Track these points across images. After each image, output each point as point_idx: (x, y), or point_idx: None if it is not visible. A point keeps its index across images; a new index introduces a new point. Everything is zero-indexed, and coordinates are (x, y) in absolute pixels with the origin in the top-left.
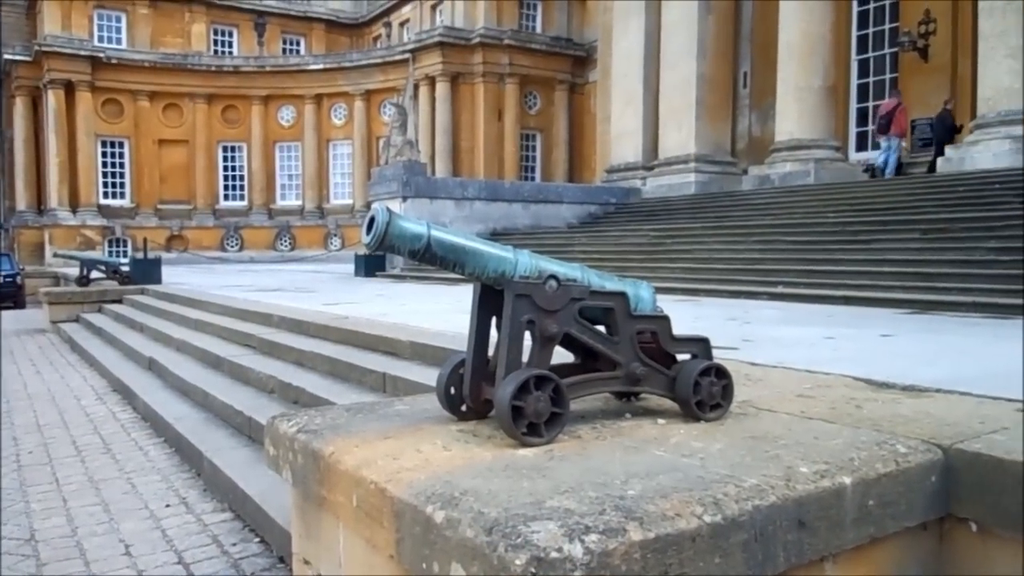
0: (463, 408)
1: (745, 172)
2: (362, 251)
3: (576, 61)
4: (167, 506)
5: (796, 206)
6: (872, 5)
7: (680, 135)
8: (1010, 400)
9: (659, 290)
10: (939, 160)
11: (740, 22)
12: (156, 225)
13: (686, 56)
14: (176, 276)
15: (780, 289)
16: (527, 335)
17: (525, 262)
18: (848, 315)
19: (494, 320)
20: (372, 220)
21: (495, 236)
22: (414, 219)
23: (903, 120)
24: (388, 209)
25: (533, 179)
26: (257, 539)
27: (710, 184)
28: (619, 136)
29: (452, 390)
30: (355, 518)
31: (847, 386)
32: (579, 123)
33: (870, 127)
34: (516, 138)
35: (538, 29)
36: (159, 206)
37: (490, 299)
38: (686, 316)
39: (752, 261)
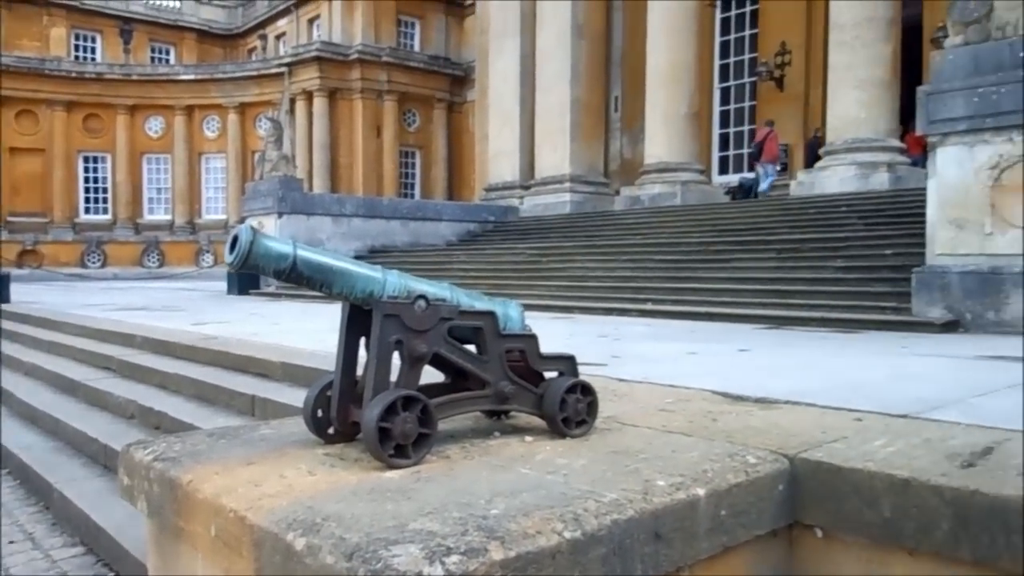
0: (331, 431)
1: (617, 193)
2: None
3: (454, 80)
4: (11, 543)
5: (664, 226)
6: (733, 36)
7: (556, 156)
8: (850, 410)
9: (535, 307)
10: (792, 184)
11: (611, 48)
12: (6, 239)
13: (560, 80)
14: (29, 294)
15: (649, 306)
16: (396, 355)
17: (394, 282)
18: (710, 330)
19: (363, 341)
20: (235, 239)
21: (373, 253)
22: (280, 238)
23: (773, 147)
24: (252, 228)
25: (412, 196)
26: (112, 574)
27: (585, 204)
28: (497, 155)
29: (319, 413)
30: (213, 549)
31: (705, 400)
32: (458, 141)
33: (731, 152)
34: (395, 155)
35: (416, 48)
36: (9, 219)
37: (358, 319)
38: (560, 333)
39: (624, 279)
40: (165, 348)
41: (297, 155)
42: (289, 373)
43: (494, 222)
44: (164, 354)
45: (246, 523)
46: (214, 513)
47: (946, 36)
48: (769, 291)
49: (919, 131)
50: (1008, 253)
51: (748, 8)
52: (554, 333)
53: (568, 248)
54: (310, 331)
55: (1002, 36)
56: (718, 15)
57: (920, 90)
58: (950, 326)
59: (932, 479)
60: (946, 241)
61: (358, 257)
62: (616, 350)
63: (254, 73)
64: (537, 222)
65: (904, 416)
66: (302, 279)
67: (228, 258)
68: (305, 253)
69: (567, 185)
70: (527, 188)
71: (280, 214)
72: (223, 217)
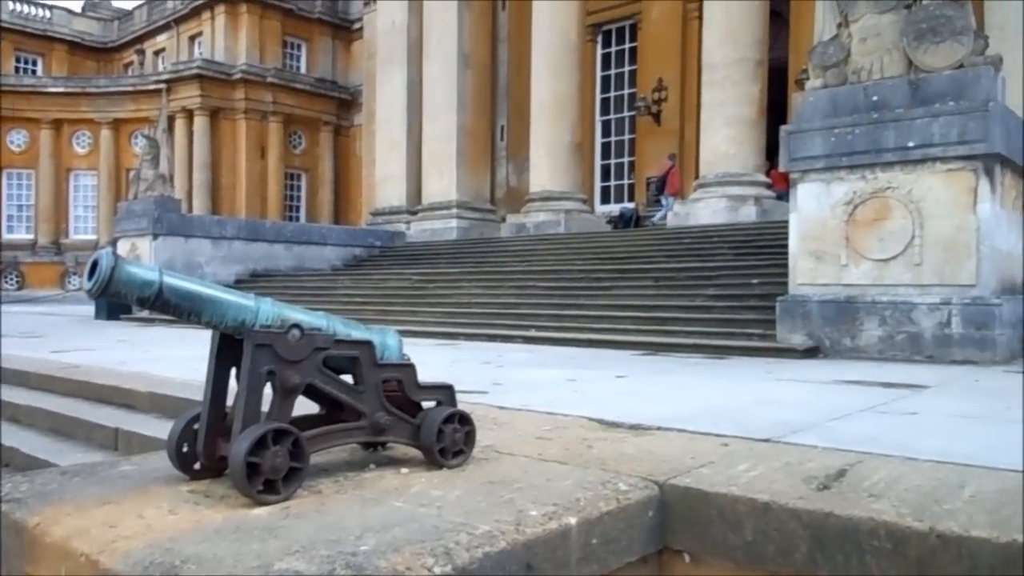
0: (197, 466)
1: (504, 219)
2: None
3: (342, 103)
4: None
5: (548, 253)
6: (613, 71)
7: (443, 182)
8: (717, 435)
9: (420, 334)
10: (668, 214)
11: (497, 79)
12: None
13: (447, 108)
14: None
15: (533, 332)
16: (268, 386)
17: (267, 310)
18: (591, 357)
19: (234, 371)
20: (95, 264)
21: (255, 277)
22: (146, 264)
23: (676, 181)
24: (114, 252)
25: (298, 219)
26: None
27: (471, 230)
28: (384, 180)
29: (185, 447)
30: None
31: (582, 427)
32: (345, 164)
33: (613, 182)
34: (280, 177)
35: (303, 70)
36: None
37: (229, 349)
38: (444, 360)
39: (508, 305)
40: (19, 378)
41: (176, 175)
42: (157, 404)
43: (380, 247)
44: (19, 384)
45: (99, 567)
46: (64, 557)
47: (808, 78)
48: (647, 318)
49: (782, 168)
50: (861, 283)
51: (627, 45)
52: (437, 360)
53: (454, 274)
54: (184, 359)
55: (858, 80)
56: (599, 51)
57: (783, 129)
58: (811, 352)
59: (790, 502)
60: (806, 271)
61: (239, 281)
62: (498, 377)
63: (130, 88)
64: (424, 247)
65: (767, 440)
66: (169, 307)
67: (87, 285)
68: (172, 280)
69: (454, 211)
70: (414, 213)
71: (155, 235)
72: (93, 237)
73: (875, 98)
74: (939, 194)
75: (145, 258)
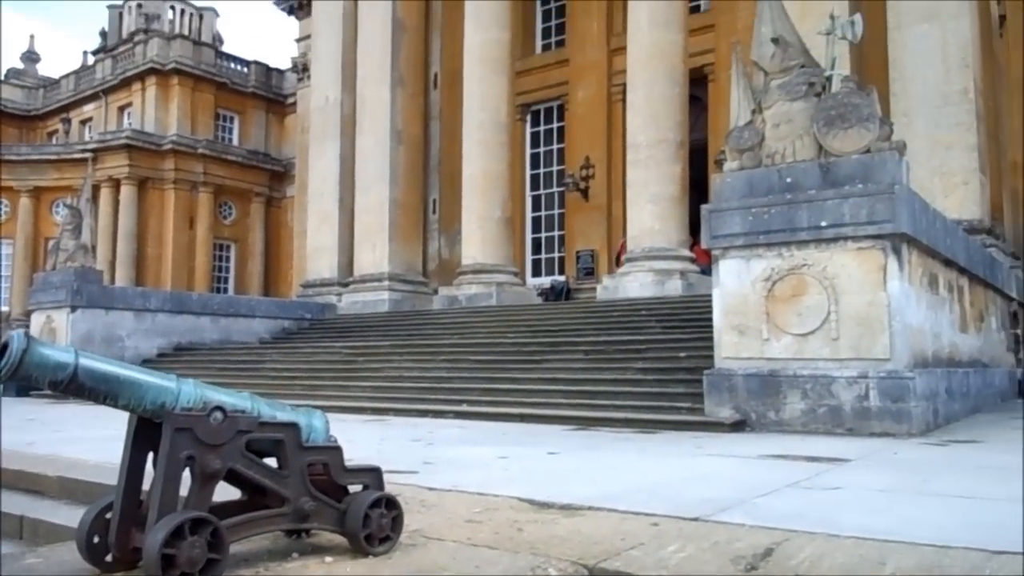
0: (108, 559)
1: (436, 292)
2: None
3: (274, 175)
4: None
5: (480, 326)
6: (542, 149)
7: (375, 254)
8: (648, 515)
9: (349, 410)
10: (599, 288)
11: (429, 154)
12: None
13: (379, 182)
14: None
15: (465, 408)
16: (187, 472)
17: (189, 392)
18: (522, 433)
19: (151, 456)
20: (5, 346)
21: (179, 351)
22: (60, 345)
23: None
24: (27, 333)
25: (226, 290)
26: None
27: (403, 302)
28: (315, 252)
29: (96, 538)
30: None
31: (513, 508)
32: (276, 236)
33: (544, 255)
34: (209, 247)
35: (235, 141)
36: None
37: (147, 433)
38: (373, 438)
39: (440, 380)
40: None
41: (99, 245)
42: (68, 489)
43: (311, 319)
44: None
45: None
46: None
47: (726, 160)
48: (578, 392)
49: (704, 245)
50: (783, 357)
51: (555, 124)
52: (366, 438)
53: (385, 348)
54: (99, 439)
55: (772, 163)
56: (528, 129)
57: (704, 208)
58: (738, 425)
59: None
60: (730, 345)
61: (161, 355)
62: (428, 456)
63: (53, 157)
64: (355, 320)
65: (696, 519)
66: (84, 391)
67: None
68: (89, 362)
69: (386, 283)
70: (345, 285)
71: (74, 308)
72: (5, 309)
73: (789, 180)
74: (852, 271)
75: (61, 331)
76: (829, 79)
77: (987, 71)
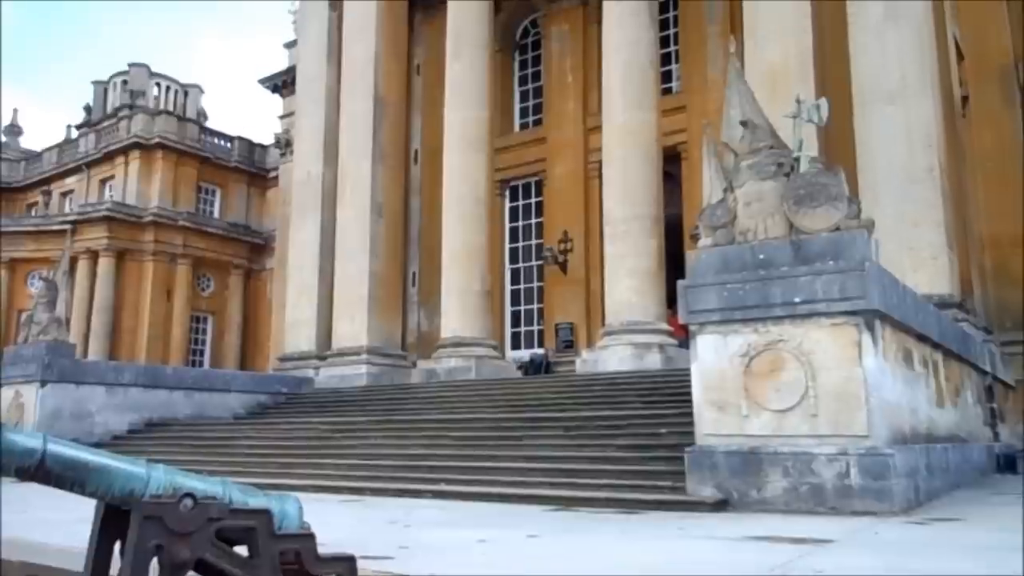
0: None
1: (414, 365)
2: None
3: (254, 247)
4: None
5: (459, 401)
6: (521, 223)
7: (354, 327)
8: None
9: (326, 489)
10: (578, 361)
11: (410, 228)
12: None
13: (359, 255)
14: None
15: (443, 487)
16: (155, 562)
17: (158, 478)
18: (502, 514)
19: (119, 545)
20: None
21: (151, 427)
22: (28, 432)
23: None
24: None
25: (202, 363)
26: None
27: (381, 376)
28: (293, 324)
29: None
30: None
31: None
32: (254, 308)
33: (523, 328)
34: (186, 320)
35: (216, 214)
36: None
37: (115, 520)
38: (348, 519)
39: (418, 457)
40: None
41: (74, 317)
42: None
43: (287, 394)
44: None
45: None
46: None
47: (700, 235)
48: (558, 470)
49: (681, 320)
50: (763, 434)
51: (534, 199)
52: (342, 519)
53: (363, 423)
54: (67, 522)
55: (745, 240)
56: (507, 204)
57: (681, 284)
58: (720, 505)
59: None
60: (711, 422)
61: (132, 431)
62: (405, 539)
63: (32, 228)
64: (332, 394)
65: None
66: (51, 478)
67: None
68: (57, 448)
69: (364, 357)
70: (323, 359)
71: (44, 382)
72: None
73: (762, 256)
74: (827, 347)
75: (30, 407)
76: (797, 160)
77: (951, 150)
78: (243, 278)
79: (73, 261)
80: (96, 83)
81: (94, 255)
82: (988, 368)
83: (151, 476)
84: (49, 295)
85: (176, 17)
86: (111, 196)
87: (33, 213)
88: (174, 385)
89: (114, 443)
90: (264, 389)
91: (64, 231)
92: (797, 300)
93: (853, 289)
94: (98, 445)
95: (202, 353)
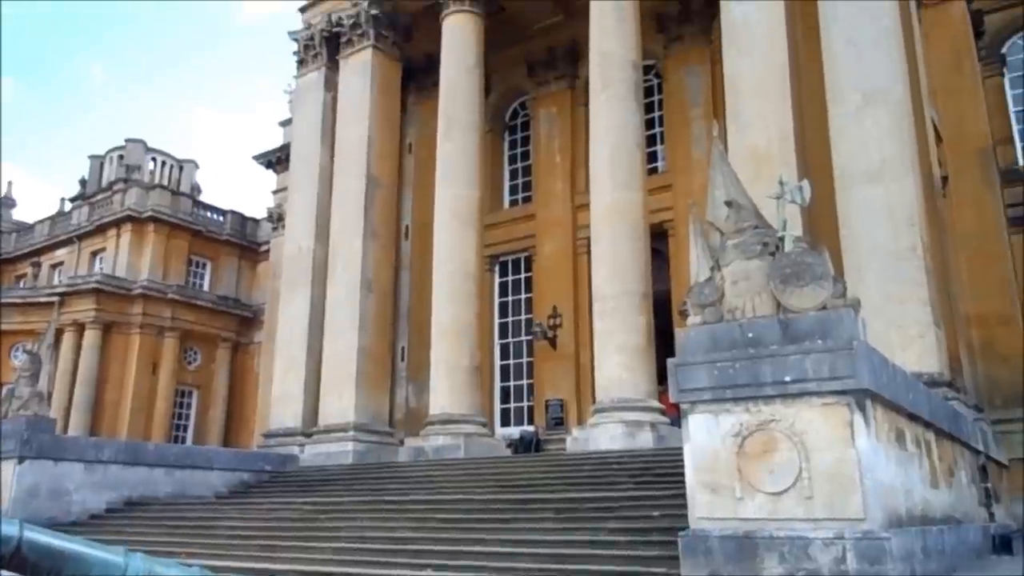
0: None
1: (402, 443)
2: None
3: (243, 320)
4: None
5: (447, 481)
6: (511, 298)
7: (341, 403)
8: None
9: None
10: (568, 439)
11: (399, 303)
12: None
13: (348, 329)
14: None
15: (429, 573)
16: None
17: (137, 566)
18: None
19: None
20: None
21: (130, 506)
22: (5, 518)
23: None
24: None
25: (185, 439)
26: None
27: (368, 454)
28: (280, 399)
29: None
30: None
31: None
32: (241, 382)
33: (512, 404)
34: (171, 394)
35: (206, 287)
36: None
37: None
38: None
39: (405, 540)
40: None
41: (56, 391)
42: None
43: (271, 472)
44: None
45: None
46: None
47: (689, 311)
48: (548, 555)
49: (672, 399)
50: (758, 517)
51: (523, 275)
52: None
53: (348, 504)
54: None
55: (733, 318)
56: (496, 279)
57: (671, 362)
58: None
59: None
60: (704, 505)
61: (110, 510)
62: None
63: (19, 300)
64: (318, 472)
65: None
66: (26, 566)
67: None
68: (34, 535)
69: (351, 434)
70: (309, 436)
71: (22, 459)
72: None
73: (751, 335)
74: (819, 427)
75: (7, 484)
76: (782, 239)
77: (933, 229)
78: (231, 351)
79: (59, 333)
80: (93, 157)
81: (80, 328)
82: (981, 447)
83: (129, 564)
84: (32, 368)
85: (175, 93)
86: (101, 268)
87: (22, 285)
88: (155, 462)
89: (92, 523)
90: (248, 467)
91: (52, 303)
92: (788, 379)
93: (843, 368)
94: (75, 525)
95: (186, 428)
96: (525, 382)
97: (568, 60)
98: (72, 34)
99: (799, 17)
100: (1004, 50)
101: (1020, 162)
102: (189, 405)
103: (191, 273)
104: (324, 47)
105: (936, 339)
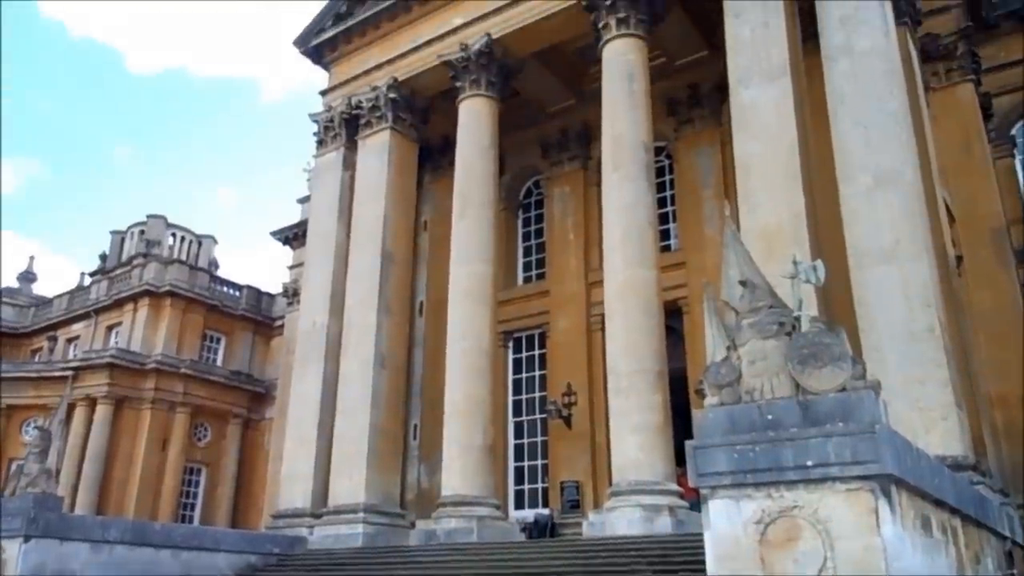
0: None
1: (413, 525)
2: None
3: (254, 396)
4: None
5: (459, 569)
6: (524, 375)
7: (351, 482)
8: None
9: None
10: (584, 524)
11: (412, 379)
12: None
13: (361, 407)
14: None
15: None
16: None
17: None
18: None
19: None
20: None
21: None
22: None
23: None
24: None
25: (192, 517)
26: None
27: (378, 536)
28: (289, 478)
29: None
30: None
31: None
32: (251, 460)
33: (527, 485)
34: (179, 471)
35: (220, 361)
36: None
37: None
38: None
39: None
40: None
41: (65, 467)
42: None
43: (279, 555)
44: None
45: None
46: None
47: (706, 391)
48: None
49: (691, 483)
50: None
51: (537, 351)
52: None
53: None
54: None
55: (751, 399)
56: (510, 356)
57: (688, 444)
58: None
59: None
60: None
61: None
62: None
63: (33, 375)
64: (326, 556)
65: None
66: None
67: None
68: None
69: (361, 515)
70: (318, 516)
71: (28, 537)
72: None
73: (770, 417)
74: (843, 514)
75: (11, 563)
76: (798, 319)
77: (950, 309)
78: (241, 427)
79: (71, 408)
80: (114, 232)
81: (92, 402)
82: (1007, 533)
83: None
84: (42, 444)
85: (199, 172)
86: (116, 342)
87: (37, 359)
88: (161, 543)
89: None
90: (255, 549)
91: (65, 377)
92: (809, 463)
93: (865, 453)
94: None
95: (193, 507)
96: (540, 462)
97: (581, 141)
98: (99, 117)
99: (807, 99)
100: (1014, 131)
101: None
102: (197, 483)
103: (205, 348)
104: (343, 128)
105: (959, 421)
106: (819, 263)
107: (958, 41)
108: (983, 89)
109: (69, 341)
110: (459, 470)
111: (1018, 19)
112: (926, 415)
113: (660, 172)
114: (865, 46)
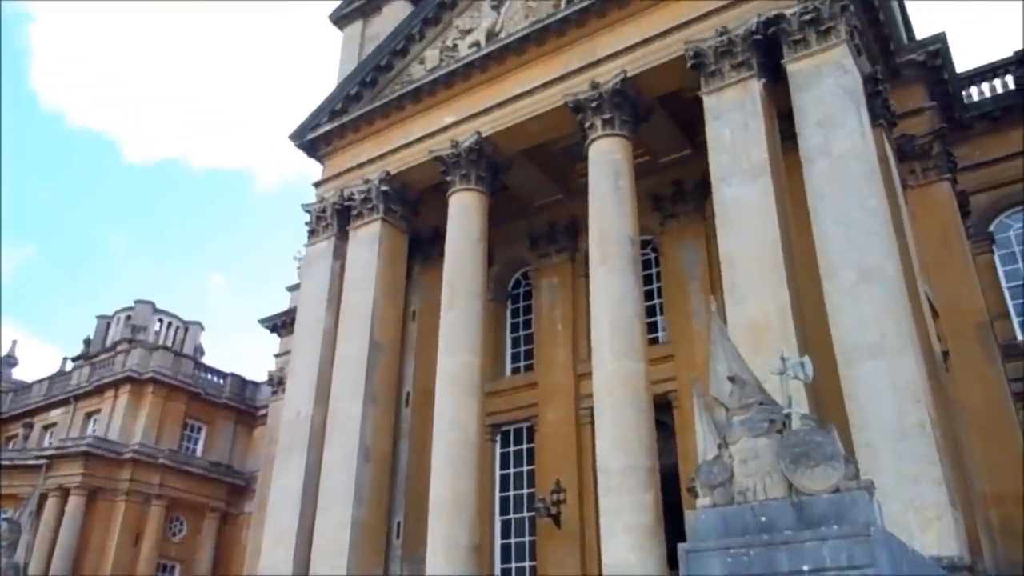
0: None
1: None
2: None
3: (233, 489)
4: None
5: None
6: (512, 470)
7: None
8: None
9: None
10: None
11: (396, 471)
12: None
13: (343, 501)
14: None
15: None
16: None
17: None
18: None
19: None
20: None
21: None
22: None
23: None
24: None
25: None
26: None
27: None
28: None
29: None
30: None
31: None
32: (226, 556)
33: None
34: (152, 568)
35: (199, 452)
36: None
37: None
38: None
39: None
40: None
41: (33, 560)
42: None
43: None
44: None
45: None
46: None
47: (697, 490)
48: None
49: None
50: None
51: (525, 445)
52: None
53: None
54: None
55: (744, 500)
56: (498, 450)
57: (681, 547)
58: None
59: None
60: None
61: None
62: None
63: (6, 463)
64: None
65: None
66: None
67: None
68: None
69: None
70: None
71: None
72: None
73: (763, 519)
74: None
75: None
76: (788, 416)
77: (940, 405)
78: (218, 522)
79: (42, 498)
80: (100, 317)
81: (65, 493)
82: None
83: None
84: (11, 538)
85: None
86: (94, 430)
87: (11, 446)
88: None
89: None
90: None
91: (39, 466)
92: (806, 568)
93: (861, 556)
94: None
95: None
96: (527, 564)
97: (568, 234)
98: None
99: (787, 196)
100: (991, 228)
101: (1019, 336)
102: None
103: (185, 437)
104: (335, 219)
105: (954, 520)
106: (807, 359)
107: (933, 141)
108: (960, 187)
109: (46, 428)
110: (444, 572)
111: (991, 120)
112: (920, 514)
113: (647, 265)
114: (843, 148)
